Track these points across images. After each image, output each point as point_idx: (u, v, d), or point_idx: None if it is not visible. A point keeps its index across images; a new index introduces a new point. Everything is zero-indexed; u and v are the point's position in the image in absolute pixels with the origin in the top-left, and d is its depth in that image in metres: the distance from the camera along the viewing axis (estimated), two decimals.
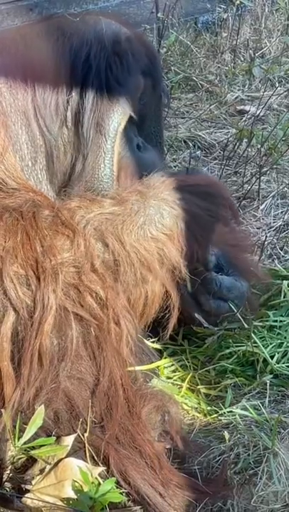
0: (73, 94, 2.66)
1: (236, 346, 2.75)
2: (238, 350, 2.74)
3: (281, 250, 3.35)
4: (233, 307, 2.70)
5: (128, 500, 2.21)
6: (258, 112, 4.43)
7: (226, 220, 2.62)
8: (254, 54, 5.19)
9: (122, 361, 2.30)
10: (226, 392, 2.62)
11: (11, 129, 2.58)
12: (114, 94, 2.71)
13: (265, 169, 3.94)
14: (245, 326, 2.70)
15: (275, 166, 4.01)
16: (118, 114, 2.70)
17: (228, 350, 2.75)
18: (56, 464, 2.17)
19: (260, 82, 4.96)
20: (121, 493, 2.18)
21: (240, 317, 2.69)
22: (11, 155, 2.53)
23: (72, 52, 2.69)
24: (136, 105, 2.85)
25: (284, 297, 2.90)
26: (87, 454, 2.21)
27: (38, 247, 2.22)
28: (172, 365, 2.76)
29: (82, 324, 2.24)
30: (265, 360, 2.69)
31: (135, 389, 2.37)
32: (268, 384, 2.61)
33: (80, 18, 2.82)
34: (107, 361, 2.24)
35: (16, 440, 2.16)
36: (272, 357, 2.70)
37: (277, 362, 2.69)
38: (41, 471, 2.15)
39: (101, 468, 2.18)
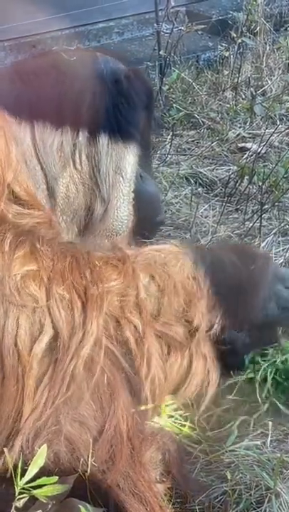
0: (80, 137, 2.67)
1: None
2: None
3: None
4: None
5: None
6: (259, 150, 4.46)
7: None
8: (255, 92, 5.22)
9: (132, 412, 2.28)
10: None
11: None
12: (127, 135, 2.75)
13: (266, 206, 3.96)
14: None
15: (276, 204, 4.02)
16: (133, 155, 2.74)
17: None
18: (58, 503, 2.15)
19: (261, 119, 4.99)
20: None
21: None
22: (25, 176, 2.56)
23: (73, 93, 2.71)
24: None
25: None
26: (88, 495, 2.19)
27: (88, 273, 2.22)
28: (174, 403, 2.75)
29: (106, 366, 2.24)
30: None
31: (140, 435, 2.33)
32: (270, 423, 2.61)
33: (76, 54, 2.83)
34: (117, 413, 2.22)
35: (18, 479, 2.14)
36: None
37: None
38: (43, 511, 2.13)
39: (102, 510, 2.16)
